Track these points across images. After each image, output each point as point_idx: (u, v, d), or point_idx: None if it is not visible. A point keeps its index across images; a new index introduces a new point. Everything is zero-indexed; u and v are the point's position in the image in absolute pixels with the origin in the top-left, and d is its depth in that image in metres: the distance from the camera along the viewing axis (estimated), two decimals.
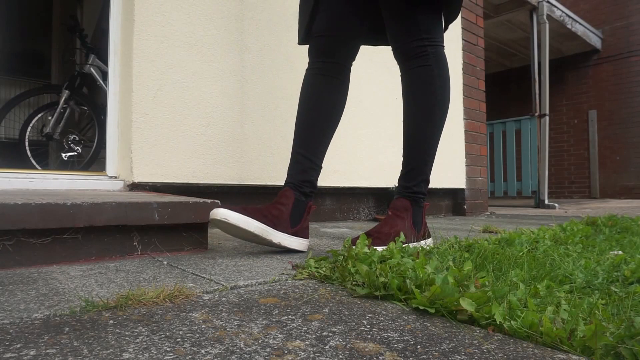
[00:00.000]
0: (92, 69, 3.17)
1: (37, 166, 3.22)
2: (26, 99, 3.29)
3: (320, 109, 1.34)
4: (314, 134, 1.33)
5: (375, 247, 1.05)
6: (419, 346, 0.55)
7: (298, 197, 1.27)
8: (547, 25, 4.80)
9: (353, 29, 1.36)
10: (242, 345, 0.54)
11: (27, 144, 3.25)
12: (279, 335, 0.58)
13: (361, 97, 2.58)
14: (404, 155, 1.38)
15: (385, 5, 1.32)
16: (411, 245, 1.22)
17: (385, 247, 1.07)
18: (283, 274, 0.95)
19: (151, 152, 1.75)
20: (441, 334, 0.60)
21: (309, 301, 0.75)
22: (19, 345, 0.52)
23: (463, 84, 3.35)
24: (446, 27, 1.38)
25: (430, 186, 1.40)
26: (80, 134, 3.33)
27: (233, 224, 1.12)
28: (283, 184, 1.32)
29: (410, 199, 1.33)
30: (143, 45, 1.75)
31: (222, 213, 1.12)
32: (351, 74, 1.40)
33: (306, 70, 1.39)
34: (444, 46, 1.35)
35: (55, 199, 1.03)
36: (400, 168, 1.38)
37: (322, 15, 1.35)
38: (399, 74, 1.38)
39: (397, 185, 1.39)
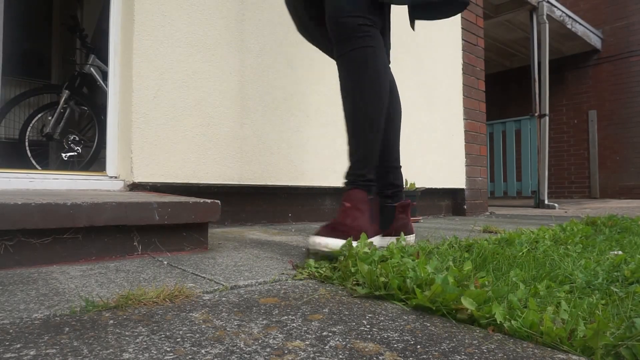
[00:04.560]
0: (92, 69, 3.17)
1: (37, 166, 3.22)
2: (26, 99, 3.30)
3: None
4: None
5: (374, 247, 1.05)
6: (418, 346, 0.55)
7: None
8: (547, 25, 4.79)
9: None
10: (242, 345, 0.54)
11: (27, 144, 3.25)
12: (279, 335, 0.58)
13: None
14: (350, 144, 1.28)
15: None
16: (379, 239, 1.26)
17: (344, 241, 1.03)
18: (283, 274, 0.95)
19: (151, 152, 1.75)
20: (441, 333, 0.60)
21: (309, 301, 0.75)
22: (19, 345, 0.52)
23: (463, 84, 3.35)
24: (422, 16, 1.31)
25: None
26: (81, 134, 3.33)
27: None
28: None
29: (364, 188, 1.23)
30: (143, 46, 1.75)
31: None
32: None
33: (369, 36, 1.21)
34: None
35: (56, 199, 1.03)
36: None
37: None
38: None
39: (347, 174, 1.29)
